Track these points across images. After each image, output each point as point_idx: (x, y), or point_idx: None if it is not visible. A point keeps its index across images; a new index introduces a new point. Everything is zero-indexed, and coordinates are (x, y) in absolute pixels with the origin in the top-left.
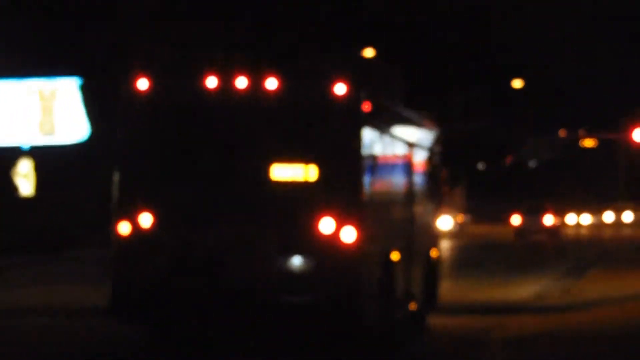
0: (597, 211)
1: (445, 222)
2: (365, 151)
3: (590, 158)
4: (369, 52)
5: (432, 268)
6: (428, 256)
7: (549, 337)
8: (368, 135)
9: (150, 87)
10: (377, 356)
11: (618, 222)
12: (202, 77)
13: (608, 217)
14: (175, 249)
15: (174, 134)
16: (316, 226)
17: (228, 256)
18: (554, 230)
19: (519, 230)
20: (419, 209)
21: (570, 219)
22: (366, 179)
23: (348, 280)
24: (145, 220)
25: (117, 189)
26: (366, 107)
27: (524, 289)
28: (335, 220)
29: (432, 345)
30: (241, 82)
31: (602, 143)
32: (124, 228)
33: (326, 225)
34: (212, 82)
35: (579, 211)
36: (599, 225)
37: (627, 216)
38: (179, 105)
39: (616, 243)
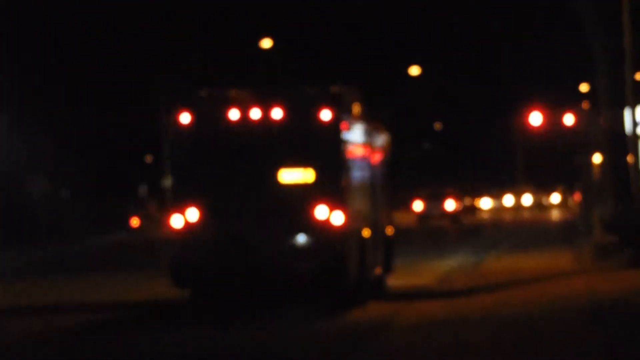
0: (497, 195)
1: None
2: (345, 157)
3: (488, 142)
4: (266, 43)
5: (389, 241)
6: (385, 232)
7: (451, 321)
8: (346, 146)
9: (190, 119)
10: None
11: (518, 206)
12: (227, 110)
13: (508, 200)
14: (215, 233)
15: (210, 152)
16: (314, 213)
17: (252, 237)
18: (455, 216)
19: (421, 216)
20: (378, 197)
21: (471, 203)
22: (347, 178)
23: (337, 251)
24: (192, 214)
25: (171, 191)
26: (344, 126)
27: (428, 274)
28: (328, 208)
29: (334, 332)
30: (256, 113)
31: (499, 127)
32: (177, 220)
33: (321, 212)
34: (234, 113)
35: (479, 196)
36: (499, 209)
37: (526, 199)
38: (212, 130)
39: (516, 226)
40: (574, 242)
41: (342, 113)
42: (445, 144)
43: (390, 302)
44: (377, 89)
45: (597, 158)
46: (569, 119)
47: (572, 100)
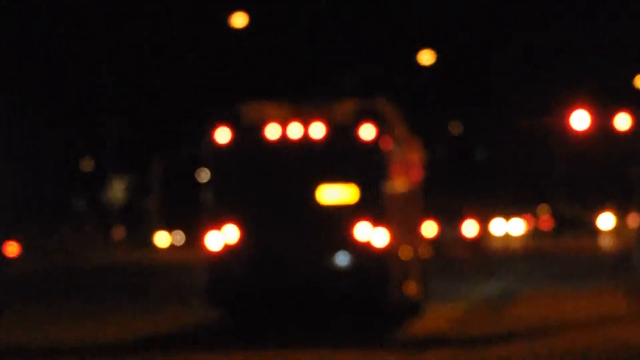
0: (531, 214)
1: None
2: (387, 176)
3: (520, 149)
4: (240, 19)
5: (425, 262)
6: (421, 252)
7: None
8: (388, 163)
9: (231, 136)
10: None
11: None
12: (267, 127)
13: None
14: (253, 252)
15: (250, 170)
16: (355, 233)
17: (292, 257)
18: (475, 243)
19: (433, 242)
20: (415, 214)
21: (497, 226)
22: (389, 196)
23: (379, 273)
24: (231, 231)
25: (210, 209)
26: (386, 143)
27: (441, 316)
28: (370, 228)
29: None
30: (295, 129)
31: (532, 130)
32: (214, 238)
33: (363, 232)
34: (274, 130)
35: (507, 216)
36: (533, 233)
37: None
38: (251, 147)
39: (554, 255)
40: (627, 278)
41: (385, 129)
42: (462, 149)
43: (395, 351)
44: (380, 81)
45: None
46: (622, 121)
47: (626, 98)
